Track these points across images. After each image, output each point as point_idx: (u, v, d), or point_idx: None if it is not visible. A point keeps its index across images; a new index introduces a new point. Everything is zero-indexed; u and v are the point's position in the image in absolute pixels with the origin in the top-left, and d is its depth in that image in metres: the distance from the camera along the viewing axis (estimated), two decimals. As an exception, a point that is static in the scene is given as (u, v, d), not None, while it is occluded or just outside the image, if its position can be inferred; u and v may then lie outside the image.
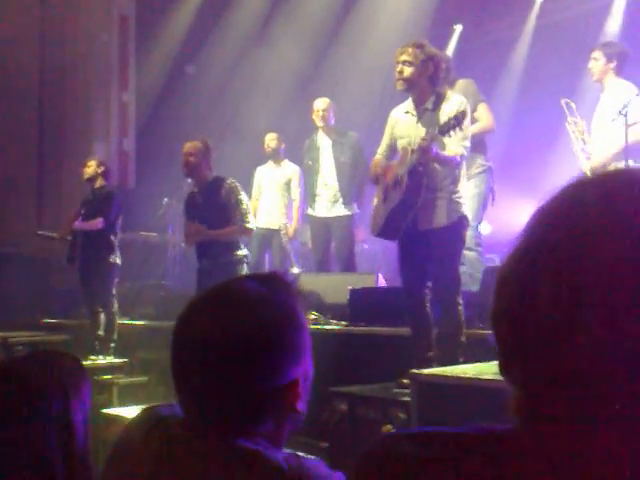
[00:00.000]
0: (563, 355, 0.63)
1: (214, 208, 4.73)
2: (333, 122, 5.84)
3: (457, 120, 3.33)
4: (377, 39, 7.35)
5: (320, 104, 5.79)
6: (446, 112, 3.47)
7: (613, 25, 6.54)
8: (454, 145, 3.47)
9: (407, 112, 3.66)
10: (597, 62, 4.47)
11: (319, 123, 5.78)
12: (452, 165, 3.51)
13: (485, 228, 6.05)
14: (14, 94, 7.61)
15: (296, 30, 7.92)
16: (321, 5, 7.83)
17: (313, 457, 1.11)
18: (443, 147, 3.47)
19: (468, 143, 3.57)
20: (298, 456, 1.05)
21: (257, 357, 1.05)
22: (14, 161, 7.60)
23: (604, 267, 0.62)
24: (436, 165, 3.49)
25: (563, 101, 4.78)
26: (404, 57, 3.51)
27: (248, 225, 4.76)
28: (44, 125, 8.04)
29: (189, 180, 5.92)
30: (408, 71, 3.51)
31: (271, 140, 6.37)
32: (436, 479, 0.66)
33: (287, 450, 1.11)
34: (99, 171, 5.87)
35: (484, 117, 4.89)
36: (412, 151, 3.49)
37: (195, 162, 4.76)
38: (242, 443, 1.04)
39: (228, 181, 4.79)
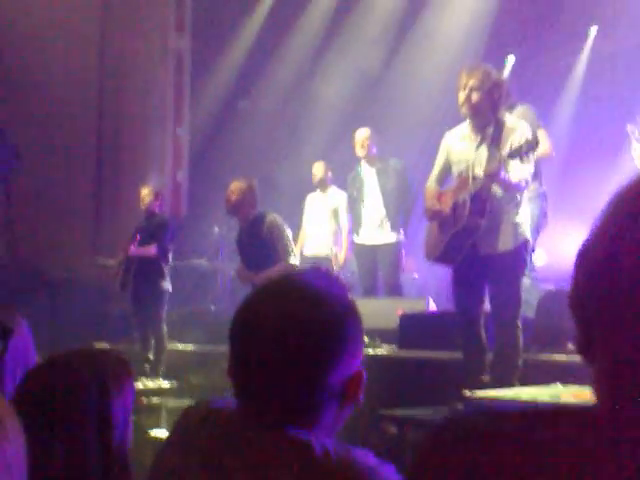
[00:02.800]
0: None
1: (257, 246, 4.77)
2: (375, 151, 5.73)
3: (529, 146, 3.24)
4: (428, 68, 7.37)
5: (362, 134, 5.71)
6: (510, 139, 3.37)
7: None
8: (519, 170, 3.35)
9: (464, 138, 3.57)
10: None
11: (361, 153, 5.69)
12: (516, 191, 3.42)
13: (541, 258, 5.89)
14: (73, 127, 7.88)
15: (347, 62, 8.00)
16: (373, 37, 7.91)
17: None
18: (507, 172, 3.39)
19: (532, 169, 3.48)
20: (347, 446, 1.02)
21: (326, 348, 1.04)
22: (73, 191, 7.84)
23: None
24: (498, 190, 3.40)
25: (629, 127, 4.55)
26: (472, 82, 3.40)
27: (291, 261, 4.77)
28: (102, 157, 8.29)
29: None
30: (476, 97, 3.40)
31: (317, 169, 6.36)
32: (513, 453, 0.64)
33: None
34: (155, 200, 6.01)
35: (542, 143, 4.77)
36: (473, 177, 3.42)
37: (236, 200, 4.81)
38: (295, 433, 1.02)
39: (269, 217, 4.82)
